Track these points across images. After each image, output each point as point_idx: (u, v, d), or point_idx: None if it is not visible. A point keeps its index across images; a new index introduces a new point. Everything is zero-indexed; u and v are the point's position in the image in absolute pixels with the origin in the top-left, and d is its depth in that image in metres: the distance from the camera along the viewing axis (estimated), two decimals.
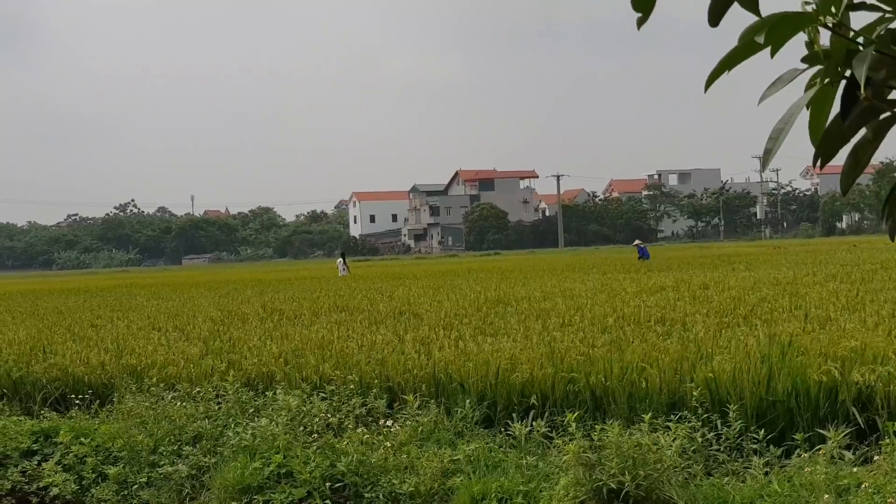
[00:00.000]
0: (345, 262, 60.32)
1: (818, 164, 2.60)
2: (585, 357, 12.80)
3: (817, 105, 2.50)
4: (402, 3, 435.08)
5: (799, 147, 2.65)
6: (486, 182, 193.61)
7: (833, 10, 2.38)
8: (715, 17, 2.22)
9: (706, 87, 2.64)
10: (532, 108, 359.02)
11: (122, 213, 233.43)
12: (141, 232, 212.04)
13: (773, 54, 2.46)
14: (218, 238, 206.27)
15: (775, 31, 2.37)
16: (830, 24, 2.39)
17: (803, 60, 2.47)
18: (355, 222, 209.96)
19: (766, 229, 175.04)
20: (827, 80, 2.47)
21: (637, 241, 66.46)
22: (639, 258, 55.19)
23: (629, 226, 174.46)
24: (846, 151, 2.59)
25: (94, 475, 11.65)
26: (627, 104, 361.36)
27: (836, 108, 2.50)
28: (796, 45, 2.49)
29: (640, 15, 2.33)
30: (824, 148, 2.52)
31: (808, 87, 2.51)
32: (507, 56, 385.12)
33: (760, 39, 2.39)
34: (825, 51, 2.43)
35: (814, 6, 2.37)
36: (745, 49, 2.47)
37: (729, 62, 2.51)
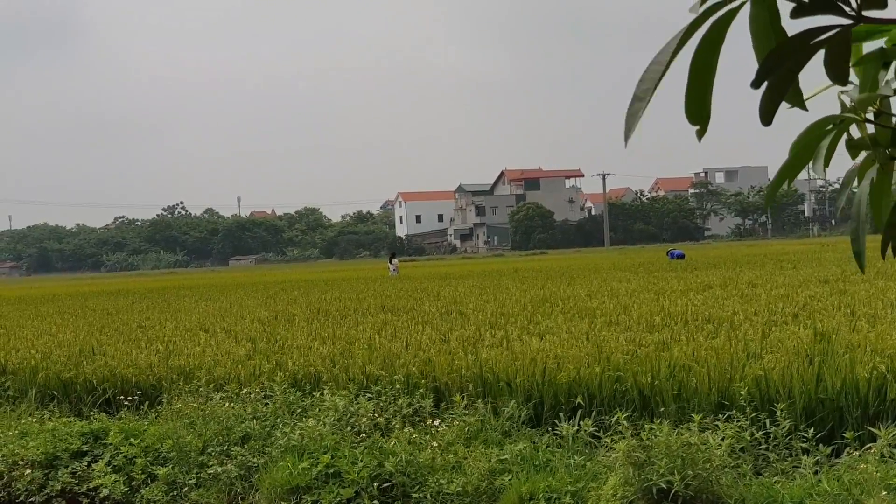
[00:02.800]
0: (389, 262, 60.19)
1: (885, 255, 2.61)
2: (632, 356, 12.76)
3: (877, 192, 2.48)
4: (445, 3, 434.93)
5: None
6: (531, 181, 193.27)
7: (871, 106, 2.38)
8: (767, 117, 2.21)
9: (766, 206, 2.67)
10: (576, 106, 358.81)
11: (169, 215, 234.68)
12: (188, 233, 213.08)
13: (825, 166, 2.47)
14: (264, 239, 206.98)
15: (818, 137, 2.41)
16: (871, 117, 2.38)
17: (848, 148, 2.47)
18: (401, 222, 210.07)
19: (814, 227, 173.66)
20: (878, 166, 2.45)
21: (670, 250, 66.13)
22: (672, 259, 55.33)
23: (676, 224, 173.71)
24: None
25: (143, 476, 11.72)
26: (672, 101, 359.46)
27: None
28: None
29: (697, 128, 2.31)
30: (891, 238, 2.51)
31: (861, 174, 2.50)
32: (551, 54, 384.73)
33: (819, 169, 2.41)
34: (871, 137, 2.41)
35: (851, 102, 2.37)
36: (798, 161, 2.48)
37: (785, 174, 2.52)
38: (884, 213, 2.50)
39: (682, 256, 56.56)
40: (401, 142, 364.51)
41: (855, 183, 2.52)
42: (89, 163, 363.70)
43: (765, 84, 2.12)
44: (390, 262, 59.89)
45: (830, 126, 2.40)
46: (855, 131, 2.43)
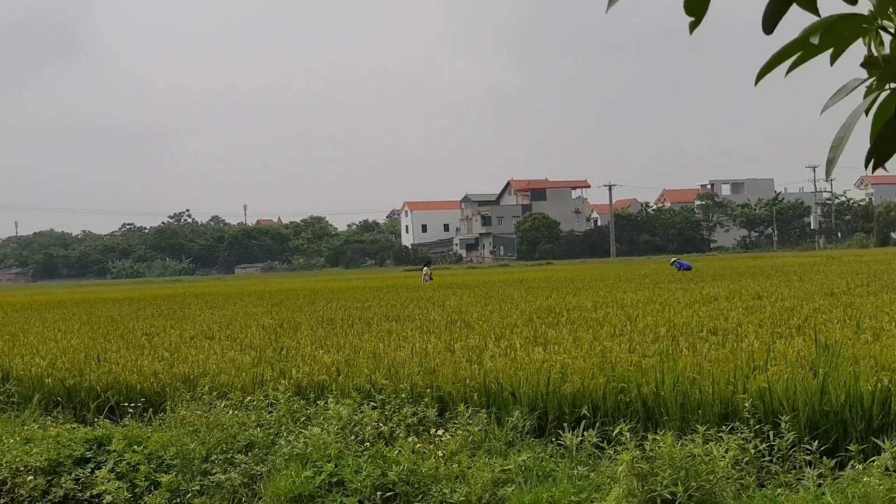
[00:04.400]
0: (423, 269, 63.73)
1: (870, 166, 2.55)
2: (637, 367, 12.74)
3: (881, 113, 2.43)
4: (453, 14, 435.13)
5: (853, 157, 2.61)
6: (537, 192, 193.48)
7: (892, 11, 2.31)
8: (769, 25, 2.16)
9: (756, 81, 2.59)
10: (583, 117, 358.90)
11: (176, 223, 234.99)
12: (194, 241, 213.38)
13: (832, 61, 2.41)
14: (270, 247, 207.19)
15: (832, 33, 2.31)
16: (892, 29, 2.33)
17: (863, 65, 2.40)
18: (407, 232, 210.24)
19: (820, 239, 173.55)
20: (888, 87, 2.40)
21: (673, 260, 65.83)
22: (680, 270, 55.01)
23: (682, 236, 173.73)
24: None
25: (146, 483, 11.68)
26: (679, 112, 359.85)
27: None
28: (855, 51, 2.43)
29: (692, 19, 2.28)
30: (878, 151, 2.46)
31: (868, 93, 2.45)
32: (558, 64, 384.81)
33: (815, 40, 2.33)
34: (885, 56, 2.36)
35: (871, 7, 2.31)
36: (799, 45, 2.41)
37: (782, 57, 2.45)
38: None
39: (689, 268, 56.25)
40: (407, 151, 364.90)
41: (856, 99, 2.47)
42: (96, 170, 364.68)
43: None
44: (423, 270, 62.13)
45: (853, 23, 2.33)
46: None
